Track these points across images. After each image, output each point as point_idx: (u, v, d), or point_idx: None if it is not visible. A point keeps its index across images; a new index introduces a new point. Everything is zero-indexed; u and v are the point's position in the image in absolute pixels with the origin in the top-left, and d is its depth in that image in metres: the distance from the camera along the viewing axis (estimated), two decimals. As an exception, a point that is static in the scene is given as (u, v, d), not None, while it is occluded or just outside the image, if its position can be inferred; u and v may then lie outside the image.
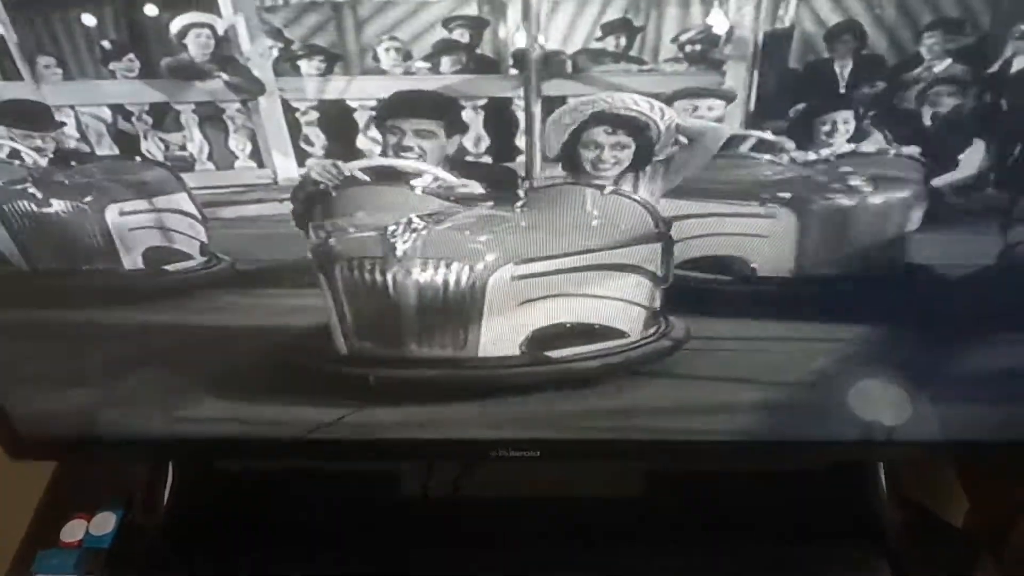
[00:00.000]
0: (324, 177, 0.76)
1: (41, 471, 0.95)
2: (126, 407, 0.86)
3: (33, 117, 0.75)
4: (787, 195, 0.78)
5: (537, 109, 0.74)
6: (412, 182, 0.77)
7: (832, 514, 0.96)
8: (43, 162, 0.77)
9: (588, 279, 0.81)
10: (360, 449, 0.88)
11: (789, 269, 0.80)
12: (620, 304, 0.83)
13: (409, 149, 0.75)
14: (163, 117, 0.77)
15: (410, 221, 0.78)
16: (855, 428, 0.86)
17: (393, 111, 0.74)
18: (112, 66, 0.73)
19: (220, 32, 0.71)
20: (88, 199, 0.80)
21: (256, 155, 0.79)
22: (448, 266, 0.80)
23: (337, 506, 0.98)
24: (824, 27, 0.69)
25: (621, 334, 0.84)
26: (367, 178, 0.77)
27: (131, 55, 0.73)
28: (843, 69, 0.71)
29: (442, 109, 0.75)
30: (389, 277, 0.80)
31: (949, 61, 0.69)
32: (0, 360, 0.83)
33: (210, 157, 0.79)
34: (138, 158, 0.77)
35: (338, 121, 0.76)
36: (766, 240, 0.79)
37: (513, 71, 0.73)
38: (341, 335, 0.83)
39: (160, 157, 0.78)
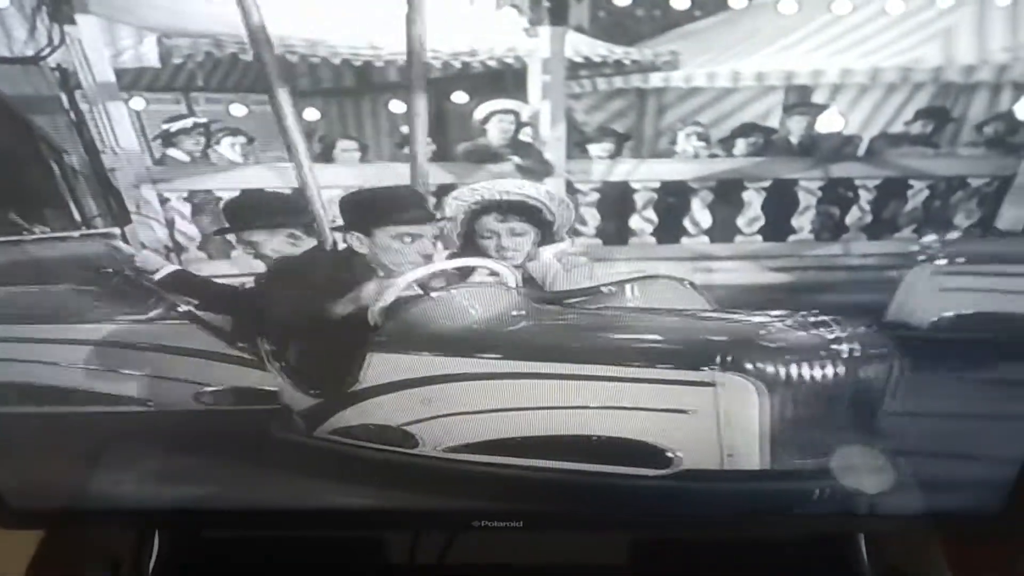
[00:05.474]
0: None
1: (28, 539, 0.92)
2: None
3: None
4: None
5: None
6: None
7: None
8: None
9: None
10: (344, 518, 0.86)
11: None
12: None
13: None
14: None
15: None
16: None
17: None
18: (406, 149, 0.75)
19: (524, 118, 0.73)
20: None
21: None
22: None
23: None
24: None
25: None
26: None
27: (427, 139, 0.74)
28: None
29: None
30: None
31: None
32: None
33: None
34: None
35: (618, 202, 0.77)
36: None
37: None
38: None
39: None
